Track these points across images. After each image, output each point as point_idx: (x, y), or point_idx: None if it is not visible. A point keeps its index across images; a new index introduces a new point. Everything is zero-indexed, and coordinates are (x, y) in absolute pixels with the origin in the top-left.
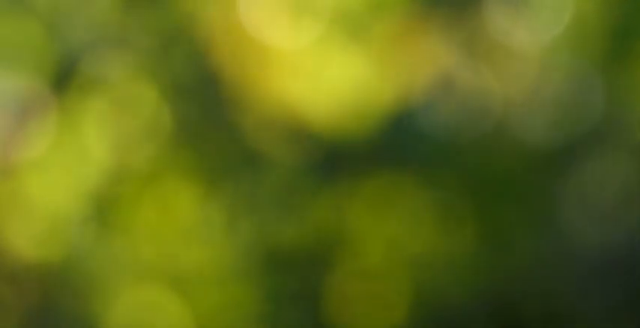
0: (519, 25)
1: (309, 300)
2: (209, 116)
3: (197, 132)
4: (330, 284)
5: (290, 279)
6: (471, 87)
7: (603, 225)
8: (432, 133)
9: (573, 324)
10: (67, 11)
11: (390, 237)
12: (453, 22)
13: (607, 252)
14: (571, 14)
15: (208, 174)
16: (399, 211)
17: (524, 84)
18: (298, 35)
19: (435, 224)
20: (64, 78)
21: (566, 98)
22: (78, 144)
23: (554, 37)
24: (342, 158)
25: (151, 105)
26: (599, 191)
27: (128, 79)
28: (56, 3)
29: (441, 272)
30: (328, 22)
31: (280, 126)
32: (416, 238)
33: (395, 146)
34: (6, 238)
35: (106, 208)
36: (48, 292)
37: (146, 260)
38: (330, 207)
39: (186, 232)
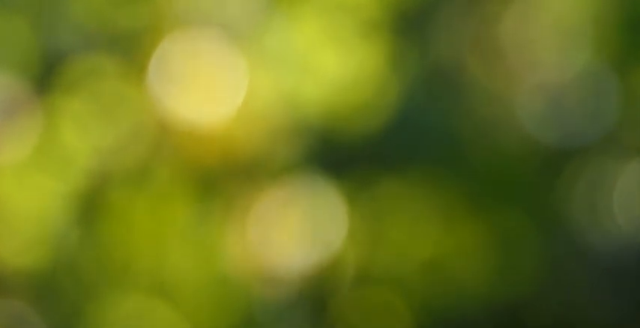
0: (530, 22)
1: (309, 308)
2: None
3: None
4: (332, 291)
5: (288, 286)
6: (480, 87)
7: (615, 229)
8: (438, 133)
9: None
10: (51, 10)
11: (395, 240)
12: (460, 18)
13: (619, 257)
14: (585, 12)
15: (199, 177)
16: (403, 214)
17: (536, 84)
18: (298, 29)
19: (442, 228)
20: (49, 77)
21: (578, 98)
22: (62, 145)
23: (566, 35)
24: (344, 158)
25: (137, 105)
26: (610, 194)
27: (114, 78)
28: (41, 1)
29: (449, 278)
30: (330, 15)
31: (280, 124)
32: (422, 242)
33: (399, 146)
34: None
35: (92, 212)
36: (34, 299)
37: (134, 266)
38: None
39: (176, 237)
